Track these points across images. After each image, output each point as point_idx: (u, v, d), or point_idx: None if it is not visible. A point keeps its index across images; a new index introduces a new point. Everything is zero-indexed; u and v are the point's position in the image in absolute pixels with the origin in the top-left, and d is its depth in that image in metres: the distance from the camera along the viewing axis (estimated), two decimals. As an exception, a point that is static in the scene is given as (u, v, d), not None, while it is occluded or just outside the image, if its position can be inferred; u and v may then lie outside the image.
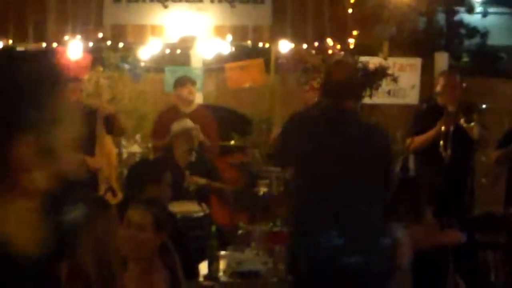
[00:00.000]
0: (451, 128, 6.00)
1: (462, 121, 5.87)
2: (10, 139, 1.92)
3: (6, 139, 1.91)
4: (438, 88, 6.30)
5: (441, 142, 6.15)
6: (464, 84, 6.42)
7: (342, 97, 4.16)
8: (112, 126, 7.13)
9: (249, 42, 7.69)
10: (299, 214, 4.24)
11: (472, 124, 5.81)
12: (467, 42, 11.74)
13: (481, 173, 7.00)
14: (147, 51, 7.70)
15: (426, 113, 6.55)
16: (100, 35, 7.48)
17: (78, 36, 7.37)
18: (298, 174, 4.31)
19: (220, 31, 7.62)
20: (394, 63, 7.81)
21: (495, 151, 7.02)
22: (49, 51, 6.94)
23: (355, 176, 4.05)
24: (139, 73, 8.06)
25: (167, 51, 7.93)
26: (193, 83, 7.41)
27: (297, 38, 7.65)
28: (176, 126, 6.71)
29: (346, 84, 4.18)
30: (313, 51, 7.78)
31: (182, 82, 7.38)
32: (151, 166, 5.00)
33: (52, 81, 2.03)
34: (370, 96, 6.91)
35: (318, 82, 6.05)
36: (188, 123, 6.76)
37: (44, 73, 2.03)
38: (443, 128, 6.05)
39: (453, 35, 10.46)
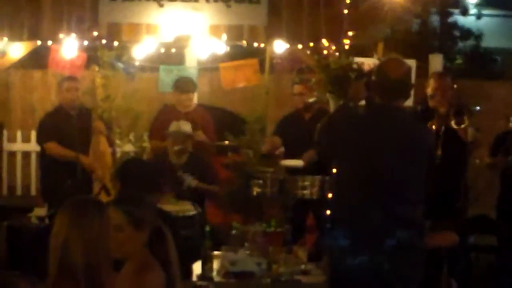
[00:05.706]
0: (442, 130, 5.98)
1: (453, 123, 5.85)
2: None
3: None
4: (429, 90, 6.30)
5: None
6: (455, 86, 6.42)
7: (396, 96, 4.20)
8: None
9: (244, 42, 7.68)
10: (343, 208, 4.21)
11: (463, 126, 5.79)
12: (461, 44, 11.77)
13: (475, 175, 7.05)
14: (142, 50, 7.68)
15: (421, 115, 6.55)
16: (95, 33, 7.47)
17: (73, 35, 7.35)
18: (346, 170, 4.24)
19: (215, 31, 7.61)
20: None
21: (487, 158, 7.11)
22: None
23: (405, 174, 4.07)
24: (134, 72, 8.05)
25: (162, 50, 7.92)
26: (194, 90, 7.39)
27: (292, 38, 7.65)
28: (173, 126, 6.73)
29: (400, 83, 4.19)
30: (308, 52, 7.78)
31: (184, 88, 7.34)
32: (155, 174, 4.89)
33: None
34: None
35: (314, 82, 6.04)
36: (186, 127, 6.74)
37: None
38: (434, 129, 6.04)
39: (447, 37, 10.49)
